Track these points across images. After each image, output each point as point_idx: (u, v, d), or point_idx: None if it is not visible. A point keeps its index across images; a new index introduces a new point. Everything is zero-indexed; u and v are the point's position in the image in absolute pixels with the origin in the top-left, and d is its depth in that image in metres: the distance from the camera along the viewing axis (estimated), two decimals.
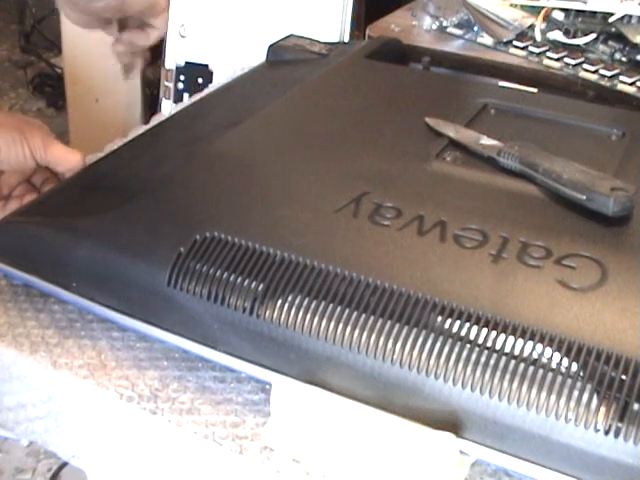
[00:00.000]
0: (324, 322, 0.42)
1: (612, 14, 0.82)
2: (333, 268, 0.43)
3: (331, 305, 0.42)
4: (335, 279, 0.43)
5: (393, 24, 0.91)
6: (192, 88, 1.50)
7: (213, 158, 0.55)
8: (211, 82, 1.32)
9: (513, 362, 0.38)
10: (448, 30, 0.89)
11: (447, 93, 0.68)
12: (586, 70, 0.77)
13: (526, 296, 0.42)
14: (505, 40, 0.84)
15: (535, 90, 0.73)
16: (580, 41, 0.82)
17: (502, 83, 0.75)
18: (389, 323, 0.41)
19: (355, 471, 0.41)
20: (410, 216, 0.48)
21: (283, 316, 0.42)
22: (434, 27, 0.90)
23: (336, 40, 1.27)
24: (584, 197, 0.48)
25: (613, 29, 0.82)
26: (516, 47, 0.83)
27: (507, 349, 0.39)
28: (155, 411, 0.44)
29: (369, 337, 0.41)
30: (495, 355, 0.39)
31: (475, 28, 0.87)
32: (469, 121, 0.60)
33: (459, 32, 0.88)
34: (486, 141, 0.56)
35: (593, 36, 0.82)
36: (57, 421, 0.48)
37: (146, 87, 1.80)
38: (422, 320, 0.41)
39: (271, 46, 0.76)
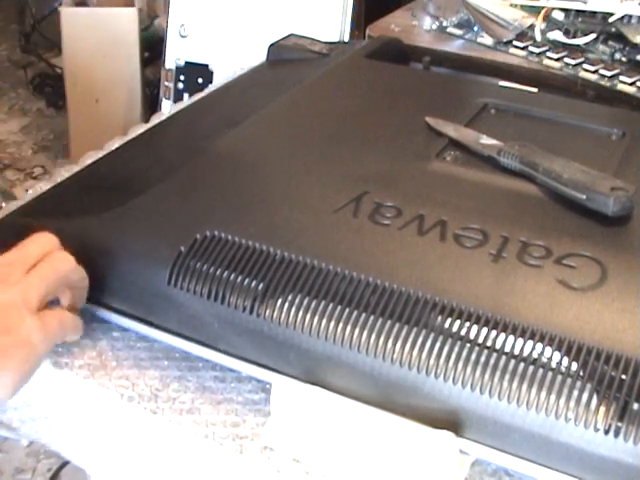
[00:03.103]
0: (324, 321, 0.42)
1: (612, 14, 0.82)
2: (333, 267, 0.43)
3: (331, 304, 0.42)
4: (335, 278, 0.43)
5: (393, 24, 0.91)
6: (192, 88, 1.51)
7: (213, 157, 0.55)
8: (211, 82, 1.32)
9: (513, 361, 0.38)
10: (448, 30, 0.89)
11: (447, 93, 0.68)
12: (586, 70, 0.77)
13: (526, 295, 0.42)
14: (505, 40, 0.84)
15: (535, 90, 0.73)
16: (580, 41, 0.82)
17: (502, 83, 0.75)
18: (389, 322, 0.41)
19: (355, 471, 0.41)
20: (410, 215, 0.48)
21: (283, 315, 0.42)
22: (434, 27, 0.90)
23: (336, 40, 1.27)
24: (584, 197, 0.48)
25: (613, 29, 0.82)
26: (516, 47, 0.83)
27: (507, 348, 0.39)
28: (155, 411, 0.44)
29: (369, 336, 0.41)
30: (495, 354, 0.39)
31: (475, 28, 0.87)
32: (469, 121, 0.60)
33: (459, 32, 0.88)
34: (486, 141, 0.56)
35: (593, 36, 0.82)
36: (59, 420, 0.48)
37: (146, 87, 1.80)
38: (422, 319, 0.41)
39: (271, 46, 0.76)
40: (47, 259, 0.45)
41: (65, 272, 0.45)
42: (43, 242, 0.46)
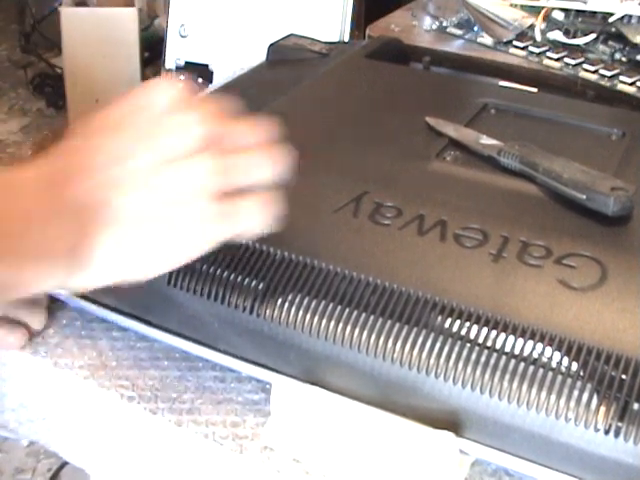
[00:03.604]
0: (324, 321, 0.42)
1: (612, 14, 0.82)
2: (333, 267, 0.43)
3: (331, 304, 0.42)
4: (335, 278, 0.43)
5: (393, 24, 0.91)
6: None
7: None
8: (211, 82, 1.32)
9: (513, 361, 0.38)
10: (448, 30, 0.89)
11: (447, 93, 0.68)
12: (586, 70, 0.77)
13: (526, 295, 0.42)
14: (505, 40, 0.84)
15: (535, 90, 0.73)
16: (580, 41, 0.82)
17: (502, 83, 0.75)
18: (389, 322, 0.41)
19: (355, 471, 0.41)
20: (410, 215, 0.48)
21: (283, 315, 0.42)
22: (434, 27, 0.90)
23: (336, 40, 1.27)
24: (584, 197, 0.48)
25: (613, 29, 0.82)
26: (516, 47, 0.83)
27: (507, 348, 0.39)
28: (155, 411, 0.44)
29: (369, 336, 0.41)
30: (495, 354, 0.39)
31: (475, 28, 0.87)
32: (469, 121, 0.60)
33: (459, 32, 0.88)
34: (486, 140, 0.56)
35: (593, 36, 0.82)
36: (58, 421, 0.48)
37: None
38: (422, 319, 0.41)
39: (271, 46, 0.76)
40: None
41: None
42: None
